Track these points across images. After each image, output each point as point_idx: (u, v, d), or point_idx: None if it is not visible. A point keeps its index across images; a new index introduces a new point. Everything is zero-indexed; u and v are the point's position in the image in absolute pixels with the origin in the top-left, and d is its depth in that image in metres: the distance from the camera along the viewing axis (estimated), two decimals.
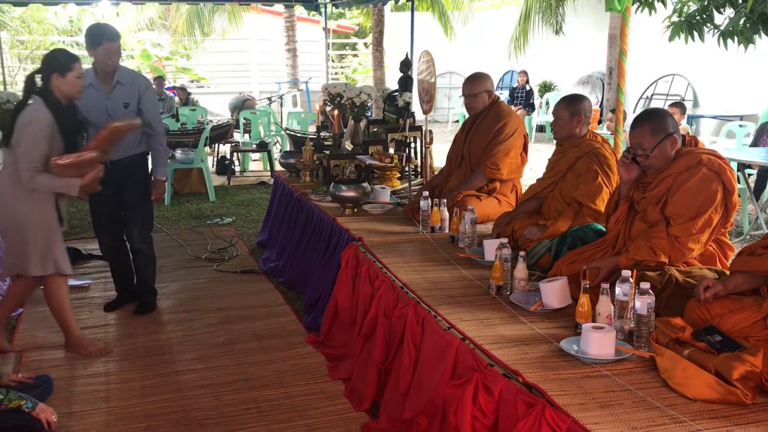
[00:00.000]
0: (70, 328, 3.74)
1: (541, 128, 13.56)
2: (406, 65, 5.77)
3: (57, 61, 3.47)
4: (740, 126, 7.72)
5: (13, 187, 3.45)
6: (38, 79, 3.50)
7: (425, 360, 2.66)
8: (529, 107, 13.14)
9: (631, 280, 2.40)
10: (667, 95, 11.36)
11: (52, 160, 3.37)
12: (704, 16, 4.69)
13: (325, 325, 3.76)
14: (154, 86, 11.19)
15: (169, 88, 12.19)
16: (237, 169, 9.72)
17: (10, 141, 3.45)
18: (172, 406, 3.18)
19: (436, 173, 4.75)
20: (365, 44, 19.68)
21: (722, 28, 4.57)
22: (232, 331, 4.04)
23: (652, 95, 11.61)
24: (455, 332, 2.54)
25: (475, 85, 4.21)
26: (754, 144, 7.14)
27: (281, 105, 12.72)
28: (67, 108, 3.52)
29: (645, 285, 2.29)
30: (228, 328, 4.10)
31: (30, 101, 3.47)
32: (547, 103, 13.46)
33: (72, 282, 4.92)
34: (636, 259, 2.71)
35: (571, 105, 3.50)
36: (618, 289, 2.42)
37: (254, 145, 9.24)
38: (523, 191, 4.34)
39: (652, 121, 2.78)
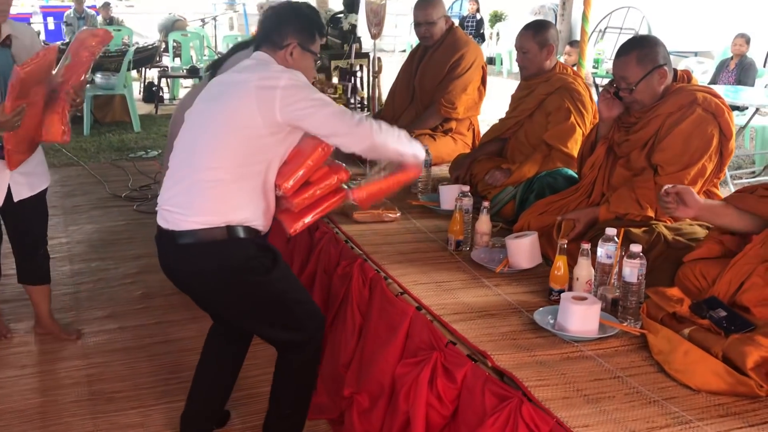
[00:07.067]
0: None
1: (491, 60, 13.06)
2: None
3: None
4: (698, 63, 7.45)
5: None
6: None
7: (371, 330, 2.26)
8: (480, 38, 12.61)
9: (616, 239, 2.03)
10: (621, 28, 11.01)
11: None
12: None
13: None
14: (73, 4, 10.36)
15: (91, 7, 11.21)
16: (166, 96, 8.98)
17: None
18: (75, 377, 2.73)
19: (383, 107, 4.27)
20: None
21: None
22: (152, 284, 3.56)
23: (605, 28, 11.25)
24: (409, 299, 2.14)
25: (432, 9, 3.64)
26: (713, 82, 6.89)
27: (215, 27, 11.88)
28: None
29: (635, 247, 1.92)
30: (147, 280, 3.62)
31: None
32: (498, 34, 12.96)
33: None
34: (618, 212, 2.35)
35: (539, 34, 3.02)
36: (600, 250, 2.04)
37: (184, 71, 8.57)
38: (481, 129, 3.93)
39: (641, 49, 2.36)
